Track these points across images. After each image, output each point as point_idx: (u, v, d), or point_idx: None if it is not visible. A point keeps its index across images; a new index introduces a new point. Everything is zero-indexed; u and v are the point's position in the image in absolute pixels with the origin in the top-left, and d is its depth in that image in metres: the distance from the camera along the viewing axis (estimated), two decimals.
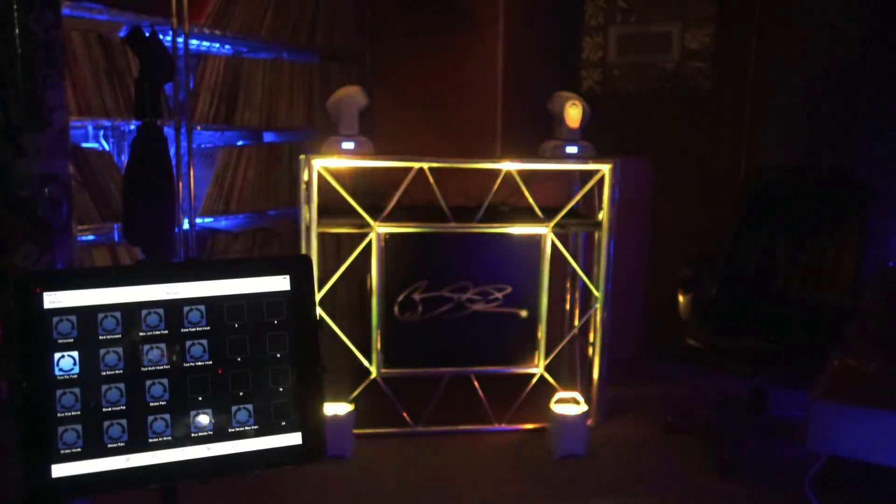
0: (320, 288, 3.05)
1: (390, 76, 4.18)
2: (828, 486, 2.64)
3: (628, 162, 3.27)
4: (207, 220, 3.57)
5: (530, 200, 3.09)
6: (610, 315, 3.22)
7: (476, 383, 3.15)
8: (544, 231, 3.10)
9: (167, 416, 1.34)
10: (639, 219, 4.02)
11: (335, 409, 2.96)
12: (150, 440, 1.33)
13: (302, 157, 2.97)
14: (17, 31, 1.86)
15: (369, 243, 3.01)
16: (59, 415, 1.27)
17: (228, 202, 3.57)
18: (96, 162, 2.98)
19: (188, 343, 1.37)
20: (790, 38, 3.67)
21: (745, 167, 3.81)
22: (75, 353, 1.29)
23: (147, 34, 2.68)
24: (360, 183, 3.84)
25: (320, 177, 2.95)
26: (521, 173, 3.09)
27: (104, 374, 1.31)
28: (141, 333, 1.34)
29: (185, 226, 3.29)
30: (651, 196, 4.08)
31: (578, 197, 3.24)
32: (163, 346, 1.34)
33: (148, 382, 1.34)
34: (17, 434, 1.21)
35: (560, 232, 3.16)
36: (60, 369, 1.28)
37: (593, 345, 3.25)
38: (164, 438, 1.34)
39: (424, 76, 4.09)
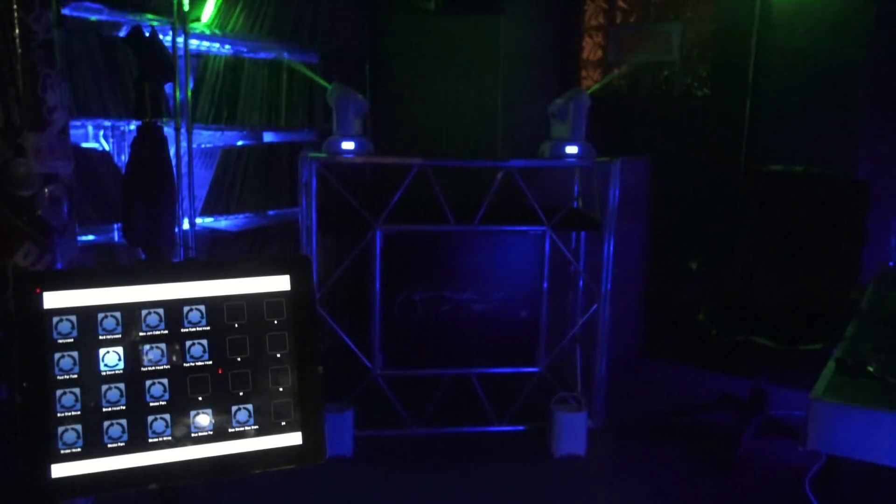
0: (320, 288, 3.05)
1: (390, 76, 4.18)
2: (828, 486, 2.64)
3: (628, 162, 3.27)
4: (207, 220, 3.57)
5: (530, 200, 3.09)
6: (610, 315, 3.22)
7: (476, 383, 3.15)
8: (544, 231, 3.10)
9: (167, 416, 1.34)
10: (639, 219, 4.01)
11: (335, 409, 2.96)
12: (150, 440, 1.33)
13: (302, 156, 2.97)
14: (17, 31, 1.87)
15: (369, 243, 3.01)
16: (58, 415, 1.27)
17: (228, 202, 3.56)
18: (96, 162, 2.98)
19: (188, 343, 1.37)
20: (790, 37, 3.67)
21: (745, 167, 3.80)
22: (75, 353, 1.29)
23: (147, 34, 2.68)
24: (359, 183, 3.84)
25: (320, 176, 2.95)
26: (522, 173, 3.08)
27: (104, 374, 1.31)
28: (141, 333, 1.34)
29: (185, 226, 3.29)
30: (651, 196, 4.08)
31: (578, 197, 3.24)
32: (163, 346, 1.34)
33: (148, 382, 1.34)
34: (17, 434, 1.21)
35: (560, 231, 3.16)
36: (60, 369, 1.28)
37: (593, 344, 3.25)
38: (164, 438, 1.34)
39: (425, 76, 4.08)
